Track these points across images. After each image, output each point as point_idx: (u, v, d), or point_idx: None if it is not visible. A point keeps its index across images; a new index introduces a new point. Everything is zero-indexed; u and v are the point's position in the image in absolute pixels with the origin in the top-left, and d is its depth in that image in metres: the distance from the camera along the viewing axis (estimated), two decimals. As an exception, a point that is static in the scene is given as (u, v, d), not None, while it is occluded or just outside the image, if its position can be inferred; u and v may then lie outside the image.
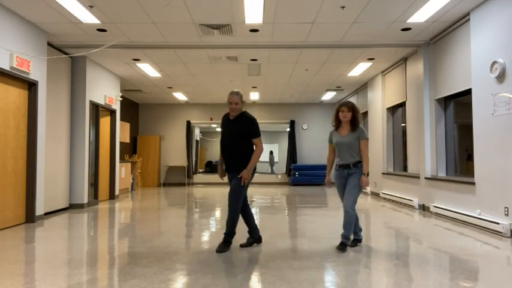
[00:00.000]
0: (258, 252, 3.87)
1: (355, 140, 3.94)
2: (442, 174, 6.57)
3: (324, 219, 5.88)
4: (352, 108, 3.99)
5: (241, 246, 4.10)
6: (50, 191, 6.70)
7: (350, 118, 3.97)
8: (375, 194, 9.51)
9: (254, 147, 3.97)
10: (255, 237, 4.16)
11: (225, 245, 3.95)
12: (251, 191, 10.79)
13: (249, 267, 3.31)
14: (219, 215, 6.44)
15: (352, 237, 4.11)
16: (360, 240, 4.18)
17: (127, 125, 11.17)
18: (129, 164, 10.78)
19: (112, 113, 9.14)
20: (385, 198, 8.73)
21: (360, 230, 4.18)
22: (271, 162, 19.90)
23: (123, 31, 6.21)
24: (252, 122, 3.92)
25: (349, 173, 3.97)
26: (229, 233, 3.96)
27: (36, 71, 5.94)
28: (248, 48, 7.06)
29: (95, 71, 8.07)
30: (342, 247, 3.87)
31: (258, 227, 4.89)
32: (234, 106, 3.89)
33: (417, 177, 7.10)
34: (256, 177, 13.72)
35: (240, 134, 3.89)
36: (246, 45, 6.94)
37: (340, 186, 4.10)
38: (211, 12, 5.46)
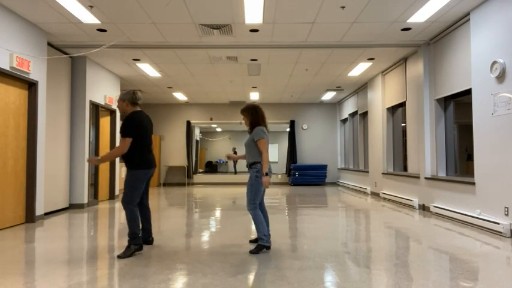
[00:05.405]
0: (258, 252, 3.87)
1: (250, 141, 3.98)
2: (442, 174, 6.57)
3: (324, 219, 5.88)
4: (245, 111, 4.05)
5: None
6: (50, 191, 6.70)
7: (247, 123, 4.06)
8: (375, 194, 9.51)
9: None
10: (143, 239, 4.08)
11: (128, 249, 3.70)
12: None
13: (249, 267, 3.31)
14: (219, 215, 6.44)
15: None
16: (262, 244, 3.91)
17: (127, 125, 11.15)
18: (129, 164, 10.76)
19: (112, 113, 9.14)
20: (385, 198, 8.73)
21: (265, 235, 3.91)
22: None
23: (123, 31, 6.21)
24: (124, 120, 3.81)
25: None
26: (130, 233, 3.75)
27: (36, 71, 5.94)
28: (248, 48, 7.06)
29: (95, 71, 8.07)
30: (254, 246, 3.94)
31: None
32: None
33: (417, 177, 7.10)
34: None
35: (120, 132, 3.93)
36: (246, 45, 6.94)
37: None
38: (211, 12, 5.46)
